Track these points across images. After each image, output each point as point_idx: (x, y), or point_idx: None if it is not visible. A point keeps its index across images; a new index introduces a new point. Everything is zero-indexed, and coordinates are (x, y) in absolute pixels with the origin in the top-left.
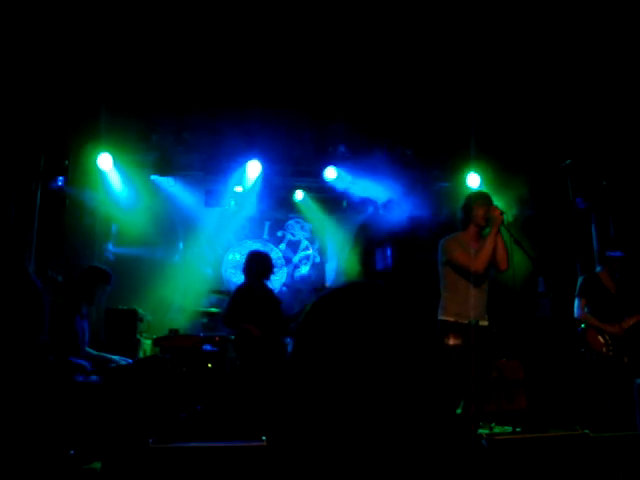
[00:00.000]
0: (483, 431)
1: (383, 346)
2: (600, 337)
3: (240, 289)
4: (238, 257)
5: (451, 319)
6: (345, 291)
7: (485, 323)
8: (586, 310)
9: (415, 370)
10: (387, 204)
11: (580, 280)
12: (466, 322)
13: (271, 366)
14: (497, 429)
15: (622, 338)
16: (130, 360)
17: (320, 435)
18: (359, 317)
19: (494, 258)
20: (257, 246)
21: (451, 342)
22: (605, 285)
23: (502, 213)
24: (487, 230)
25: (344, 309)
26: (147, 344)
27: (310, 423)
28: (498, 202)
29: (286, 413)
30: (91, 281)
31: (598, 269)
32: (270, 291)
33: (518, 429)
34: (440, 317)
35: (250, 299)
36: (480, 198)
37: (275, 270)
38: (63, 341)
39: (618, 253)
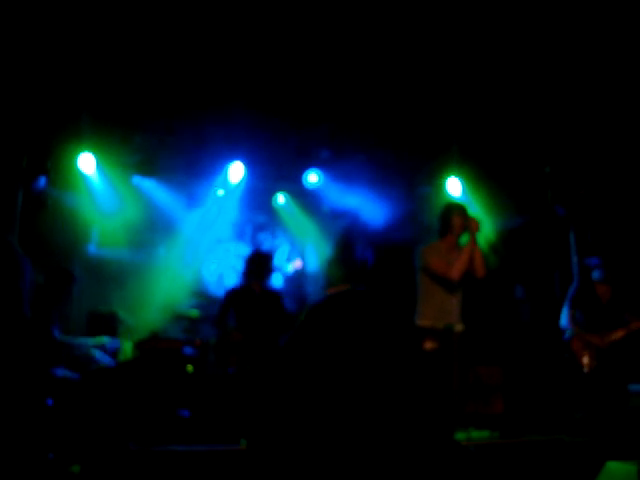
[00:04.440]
0: (461, 435)
1: (369, 352)
2: (585, 348)
3: (232, 290)
4: (219, 260)
5: (427, 324)
6: (334, 302)
7: (460, 328)
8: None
9: (400, 375)
10: (368, 209)
11: (573, 287)
12: (442, 327)
13: (251, 370)
14: (475, 434)
15: (606, 350)
16: (109, 358)
17: (306, 438)
18: (349, 326)
19: (471, 266)
20: (239, 249)
21: (427, 346)
22: (598, 294)
23: (479, 223)
24: (464, 238)
25: (336, 319)
26: (127, 346)
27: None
28: (477, 209)
29: (272, 417)
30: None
31: (596, 275)
32: (267, 293)
33: (495, 434)
34: (416, 322)
35: (241, 301)
36: (457, 208)
37: None
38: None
39: None
